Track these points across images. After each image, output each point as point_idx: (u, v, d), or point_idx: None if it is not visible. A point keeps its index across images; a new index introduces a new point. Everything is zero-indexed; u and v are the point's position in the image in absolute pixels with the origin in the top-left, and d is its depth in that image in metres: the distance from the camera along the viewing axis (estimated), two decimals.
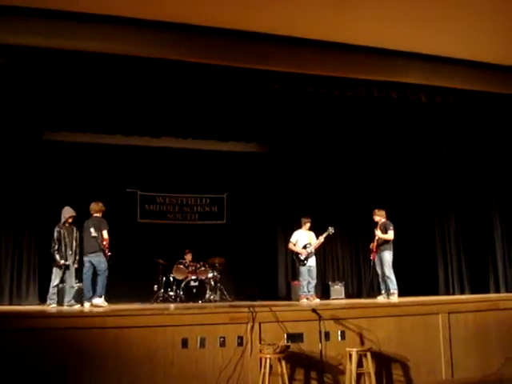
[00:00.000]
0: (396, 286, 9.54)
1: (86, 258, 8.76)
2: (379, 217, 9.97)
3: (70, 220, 9.28)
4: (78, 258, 9.13)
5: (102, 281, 8.67)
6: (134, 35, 7.78)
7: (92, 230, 8.74)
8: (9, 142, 10.50)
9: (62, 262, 8.98)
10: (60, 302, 9.05)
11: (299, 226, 10.33)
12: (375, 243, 9.80)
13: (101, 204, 9.10)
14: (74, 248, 9.05)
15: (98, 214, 9.02)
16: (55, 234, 9.06)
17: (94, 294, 8.63)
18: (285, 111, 11.51)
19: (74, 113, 10.66)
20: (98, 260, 8.71)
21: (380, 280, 9.89)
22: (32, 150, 10.79)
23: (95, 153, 11.92)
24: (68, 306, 8.77)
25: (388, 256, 9.64)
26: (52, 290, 8.92)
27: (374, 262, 9.93)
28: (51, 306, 8.64)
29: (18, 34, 7.39)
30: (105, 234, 8.80)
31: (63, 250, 8.99)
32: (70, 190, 11.38)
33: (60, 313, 7.14)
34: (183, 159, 12.53)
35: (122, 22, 7.59)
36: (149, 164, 12.37)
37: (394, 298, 9.36)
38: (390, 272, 9.57)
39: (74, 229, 9.26)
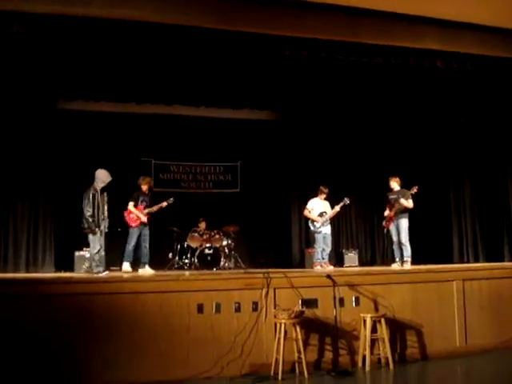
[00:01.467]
0: (410, 254, 9.54)
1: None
2: (396, 183, 9.92)
3: (103, 184, 8.71)
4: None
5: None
6: (146, 1, 7.71)
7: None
8: (24, 112, 10.53)
9: (100, 227, 8.43)
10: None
11: (315, 194, 10.29)
12: (393, 211, 9.74)
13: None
14: (106, 213, 8.56)
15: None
16: (91, 199, 8.33)
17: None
18: (298, 78, 11.37)
19: (88, 82, 10.68)
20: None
21: (394, 247, 9.87)
22: (46, 118, 10.83)
23: (109, 122, 11.94)
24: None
25: (405, 223, 9.63)
26: (96, 257, 8.23)
27: (388, 230, 9.91)
28: (104, 274, 8.00)
29: (31, 1, 7.34)
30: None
31: (98, 214, 8.44)
32: (83, 158, 11.42)
33: (77, 279, 7.19)
34: (197, 128, 12.49)
35: None
36: (163, 133, 12.36)
37: (408, 266, 9.37)
38: (406, 239, 9.57)
39: (105, 193, 8.71)
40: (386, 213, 9.86)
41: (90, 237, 8.31)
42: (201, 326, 6.58)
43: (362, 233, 12.64)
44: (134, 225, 9.34)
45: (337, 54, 9.03)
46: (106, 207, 8.63)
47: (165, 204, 9.75)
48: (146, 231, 9.45)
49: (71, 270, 9.98)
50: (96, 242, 8.28)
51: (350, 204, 10.71)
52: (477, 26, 8.91)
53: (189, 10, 7.77)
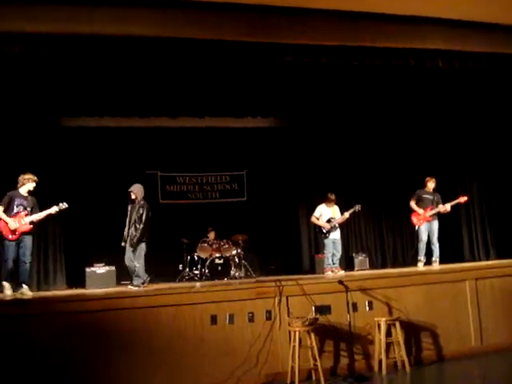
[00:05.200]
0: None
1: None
2: (433, 184, 10.03)
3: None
4: None
5: None
6: (144, 15, 7.74)
7: None
8: (28, 130, 10.54)
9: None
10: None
11: (323, 200, 10.26)
12: (432, 212, 9.78)
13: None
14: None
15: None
16: (145, 212, 8.47)
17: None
18: (300, 84, 11.39)
19: (91, 98, 10.74)
20: None
21: (421, 246, 9.90)
22: (51, 136, 10.82)
23: (114, 137, 11.96)
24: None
25: (437, 224, 9.91)
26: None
27: (419, 228, 9.91)
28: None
29: (33, 22, 7.39)
30: None
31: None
32: (89, 174, 11.51)
33: (90, 295, 7.21)
34: (201, 138, 12.50)
35: (132, 3, 7.55)
36: (167, 145, 12.37)
37: (437, 264, 9.62)
38: (437, 239, 9.87)
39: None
40: (421, 211, 9.84)
41: (143, 246, 8.44)
42: (215, 338, 6.58)
43: (371, 236, 12.56)
44: (10, 236, 7.67)
45: (338, 58, 9.05)
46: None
47: (54, 210, 8.08)
48: (27, 243, 7.83)
49: (83, 286, 9.98)
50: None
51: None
52: (477, 23, 8.89)
53: (187, 23, 7.81)
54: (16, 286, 7.81)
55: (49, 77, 10.08)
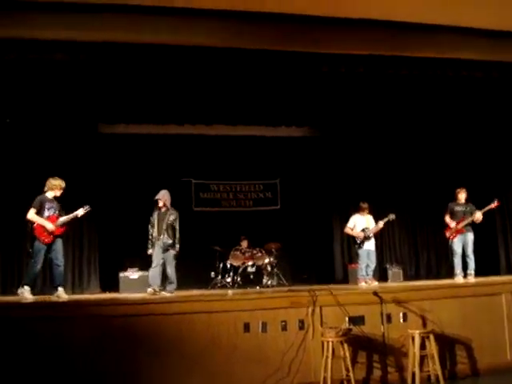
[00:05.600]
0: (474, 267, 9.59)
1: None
2: (464, 195, 9.85)
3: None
4: None
5: None
6: (184, 24, 7.76)
7: None
8: (66, 136, 10.78)
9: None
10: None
11: (356, 210, 10.20)
12: (463, 223, 9.62)
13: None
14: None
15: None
16: (178, 219, 8.71)
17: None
18: (336, 94, 11.36)
19: (128, 105, 10.91)
20: None
21: (456, 260, 9.69)
22: (88, 142, 11.04)
23: (150, 143, 12.11)
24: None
25: (473, 236, 9.65)
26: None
27: (452, 242, 9.77)
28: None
29: (74, 30, 7.51)
30: None
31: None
32: (126, 180, 11.70)
33: (123, 300, 7.29)
34: (235, 146, 12.60)
35: (173, 12, 7.61)
36: (202, 152, 12.46)
37: (472, 278, 9.34)
38: (472, 252, 9.60)
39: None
40: (453, 224, 9.71)
41: (173, 252, 8.52)
42: (248, 346, 6.58)
43: (405, 247, 12.44)
44: (47, 240, 7.72)
45: (374, 68, 9.02)
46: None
47: (81, 212, 8.16)
48: (59, 246, 7.87)
49: (116, 290, 10.10)
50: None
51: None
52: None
53: (227, 32, 7.84)
54: (51, 289, 7.96)
55: (88, 83, 10.23)
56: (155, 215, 8.67)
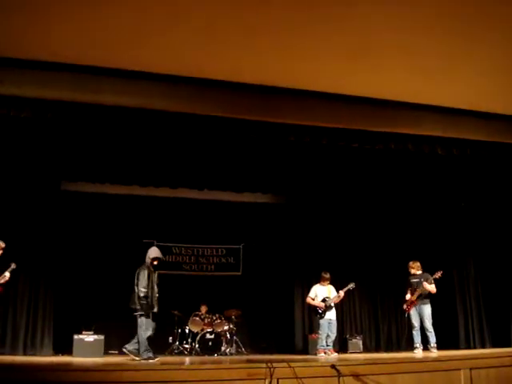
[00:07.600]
0: (435, 340, 9.63)
1: None
2: (414, 269, 9.97)
3: (156, 262, 8.69)
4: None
5: None
6: (148, 89, 7.91)
7: None
8: (28, 193, 10.59)
9: (155, 309, 8.29)
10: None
11: (317, 280, 10.19)
12: (415, 295, 9.69)
13: None
14: (157, 294, 8.38)
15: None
16: (146, 278, 8.24)
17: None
18: (300, 163, 11.53)
19: (92, 164, 10.80)
20: None
21: (414, 332, 9.78)
22: (50, 200, 10.85)
23: (112, 203, 12.02)
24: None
25: (428, 309, 9.77)
26: (146, 342, 8.06)
27: (409, 315, 9.81)
28: (155, 360, 7.76)
29: (39, 88, 7.58)
30: None
31: (152, 295, 8.25)
32: (86, 239, 11.49)
33: (76, 366, 7.04)
34: (199, 210, 12.56)
35: (137, 76, 7.75)
36: (165, 214, 12.41)
37: (435, 351, 9.36)
38: (430, 325, 9.66)
39: (157, 272, 8.65)
40: (408, 297, 9.79)
41: (143, 320, 8.09)
42: None
43: (365, 318, 12.38)
44: None
45: (338, 140, 9.24)
46: (156, 288, 8.47)
47: (8, 275, 8.19)
48: None
49: (70, 353, 9.77)
50: (149, 325, 8.10)
51: (353, 288, 10.59)
52: (476, 112, 9.12)
53: (191, 98, 7.99)
54: None
55: (52, 141, 10.20)
56: (156, 274, 8.55)
